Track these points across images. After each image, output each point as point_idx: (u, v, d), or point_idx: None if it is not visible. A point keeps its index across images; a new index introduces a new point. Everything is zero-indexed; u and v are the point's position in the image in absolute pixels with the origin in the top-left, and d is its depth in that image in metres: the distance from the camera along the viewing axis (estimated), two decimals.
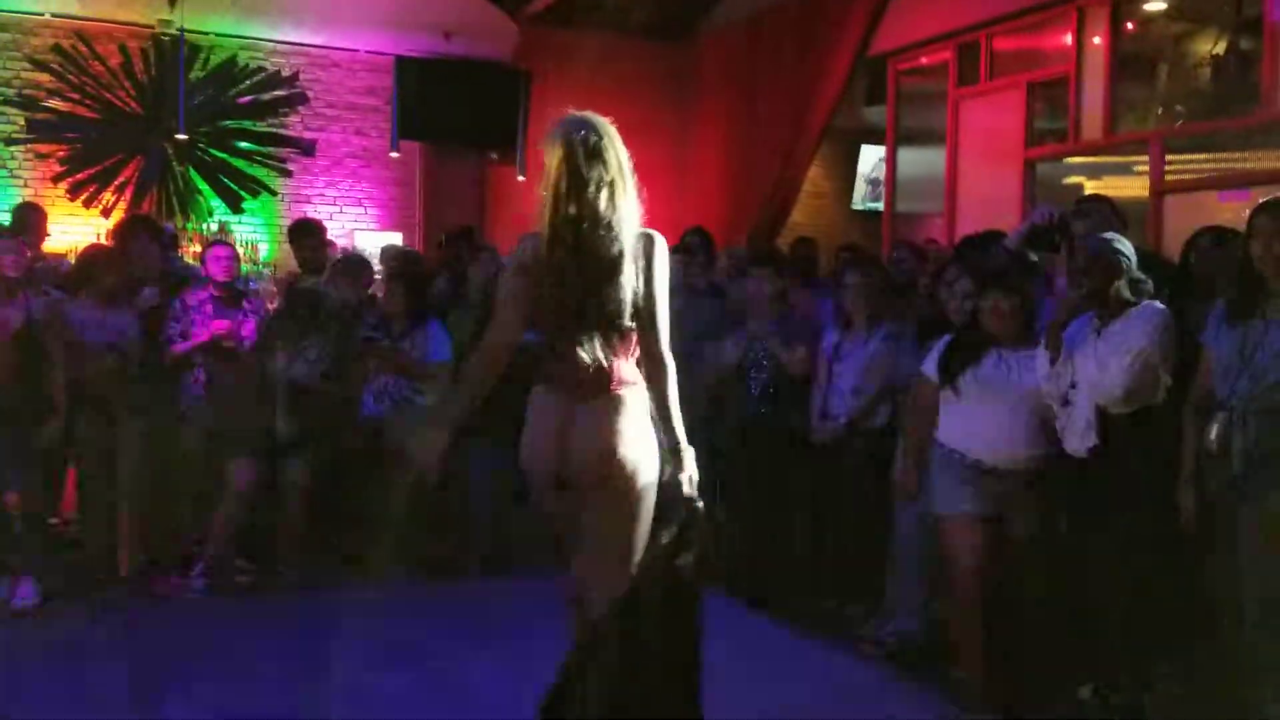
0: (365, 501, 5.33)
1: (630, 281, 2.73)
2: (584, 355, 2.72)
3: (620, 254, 2.72)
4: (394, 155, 9.26)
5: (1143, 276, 3.58)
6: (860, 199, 10.85)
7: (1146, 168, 6.62)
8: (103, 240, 7.50)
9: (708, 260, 6.27)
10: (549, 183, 2.74)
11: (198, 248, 7.83)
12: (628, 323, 2.73)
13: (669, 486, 2.77)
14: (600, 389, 2.74)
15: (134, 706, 3.61)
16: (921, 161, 8.70)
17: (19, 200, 7.75)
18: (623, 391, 2.76)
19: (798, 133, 8.78)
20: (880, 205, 9.50)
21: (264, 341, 5.31)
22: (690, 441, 2.86)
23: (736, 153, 9.25)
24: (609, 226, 2.73)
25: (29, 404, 4.81)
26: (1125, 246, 3.60)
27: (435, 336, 5.39)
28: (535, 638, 4.34)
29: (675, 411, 2.79)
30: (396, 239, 9.02)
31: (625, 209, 2.76)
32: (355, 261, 5.67)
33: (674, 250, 5.80)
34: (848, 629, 4.56)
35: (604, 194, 2.73)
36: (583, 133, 2.73)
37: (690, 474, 2.77)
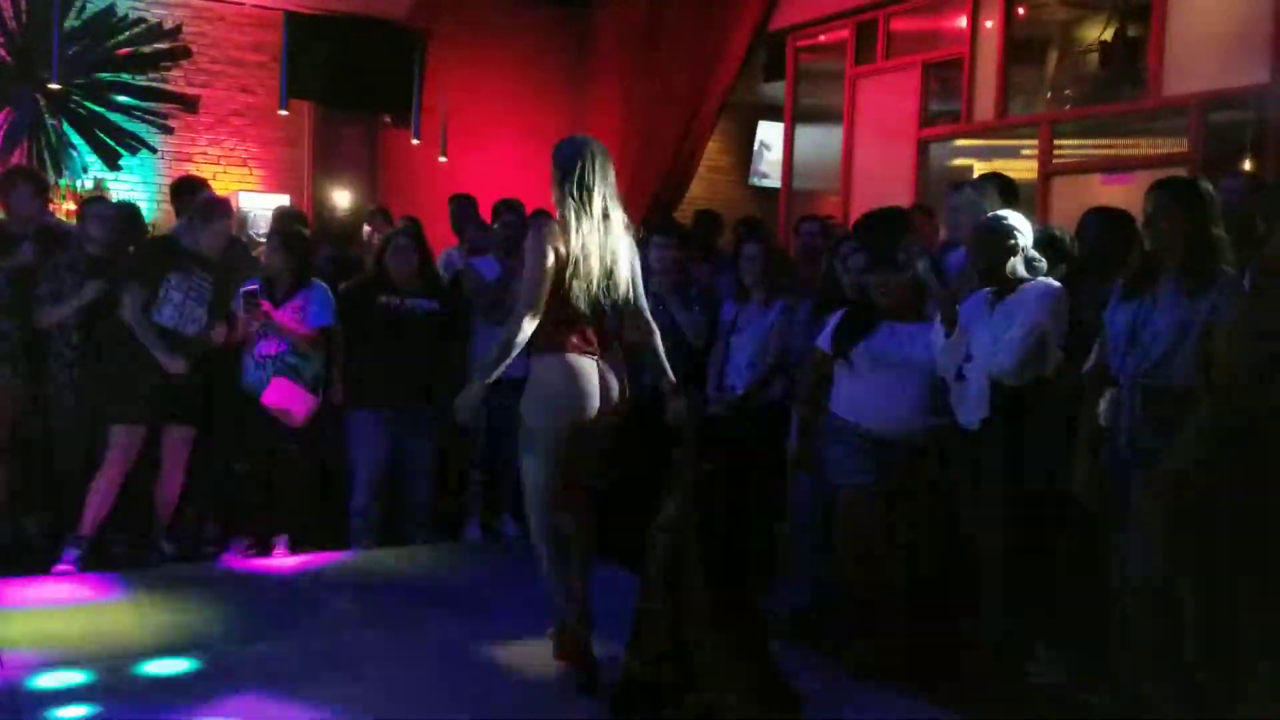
0: (247, 470, 5.18)
1: (628, 271, 3.52)
2: (605, 326, 3.51)
3: (624, 249, 3.51)
4: (282, 114, 8.94)
5: (1037, 255, 3.66)
6: (757, 176, 10.93)
7: (1035, 150, 6.80)
8: None
9: None
10: (574, 192, 3.40)
11: (71, 205, 7.46)
12: (628, 300, 3.54)
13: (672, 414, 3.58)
14: (610, 349, 3.54)
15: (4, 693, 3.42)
16: (819, 139, 8.79)
17: None
18: (616, 350, 3.57)
19: (696, 106, 8.78)
20: (777, 182, 9.58)
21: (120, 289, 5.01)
22: None
23: (634, 123, 9.21)
24: (618, 228, 3.48)
25: None
26: (1020, 224, 3.68)
27: (317, 300, 5.21)
28: (417, 604, 4.31)
29: (665, 360, 3.64)
30: (284, 200, 8.73)
31: (621, 213, 3.52)
32: (205, 203, 5.36)
33: None
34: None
35: (612, 202, 3.47)
36: (592, 149, 3.46)
37: (686, 403, 3.60)
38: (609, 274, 3.43)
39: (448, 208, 6.66)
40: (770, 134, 10.58)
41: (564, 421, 3.44)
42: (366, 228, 7.29)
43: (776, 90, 9.30)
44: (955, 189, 4.88)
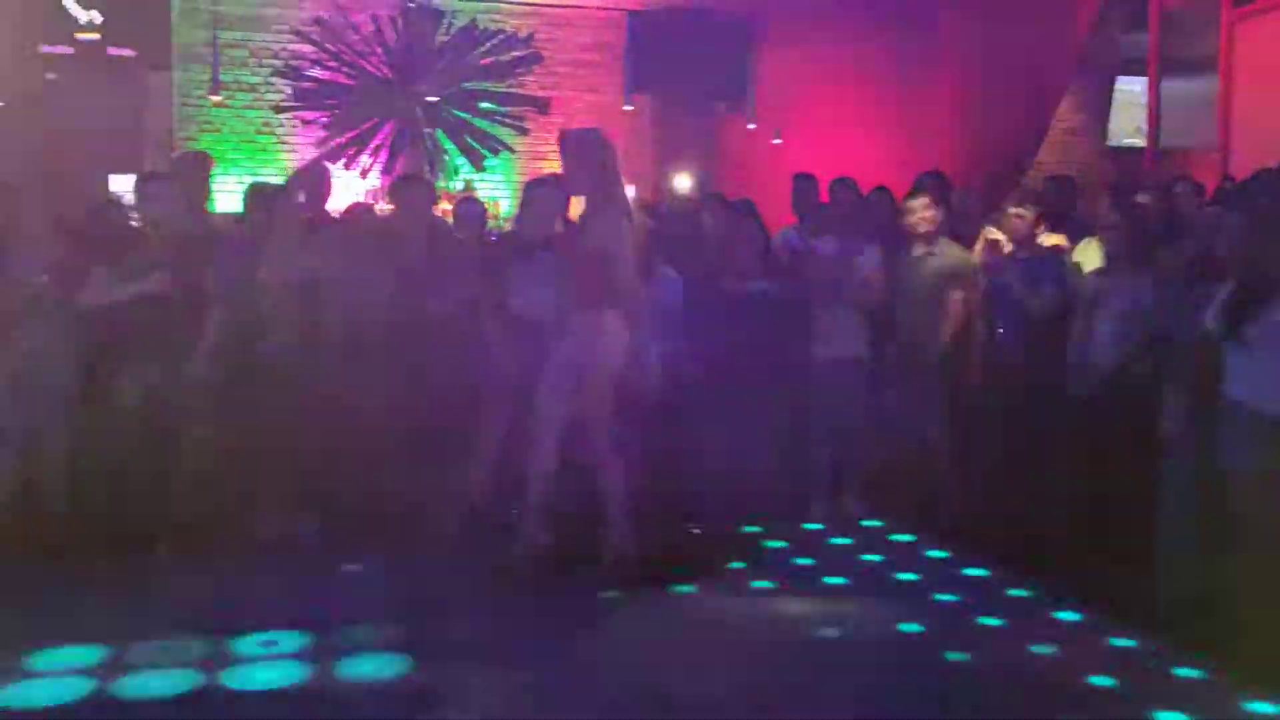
0: None
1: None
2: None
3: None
4: (627, 109, 9.35)
5: None
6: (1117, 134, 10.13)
7: None
8: (363, 200, 8.00)
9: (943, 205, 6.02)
10: (610, 184, 4.23)
11: (446, 205, 8.21)
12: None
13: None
14: None
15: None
16: (1188, 92, 8.02)
17: (288, 164, 8.35)
18: None
19: (1046, 65, 8.27)
20: (1140, 141, 8.84)
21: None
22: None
23: (976, 89, 8.81)
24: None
25: (310, 357, 5.18)
26: None
27: (665, 287, 5.41)
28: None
29: None
30: (629, 192, 9.14)
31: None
32: (525, 187, 5.73)
33: (908, 195, 5.69)
34: (1111, 593, 4.31)
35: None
36: (606, 139, 4.33)
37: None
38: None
39: (790, 188, 6.68)
40: (1130, 89, 9.77)
41: (616, 363, 4.19)
42: (707, 216, 7.46)
43: (1137, 42, 8.57)
44: None
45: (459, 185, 9.04)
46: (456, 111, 9.02)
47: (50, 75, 9.36)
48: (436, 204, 6.87)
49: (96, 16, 9.26)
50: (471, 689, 3.38)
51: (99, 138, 9.14)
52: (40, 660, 3.50)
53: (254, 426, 5.07)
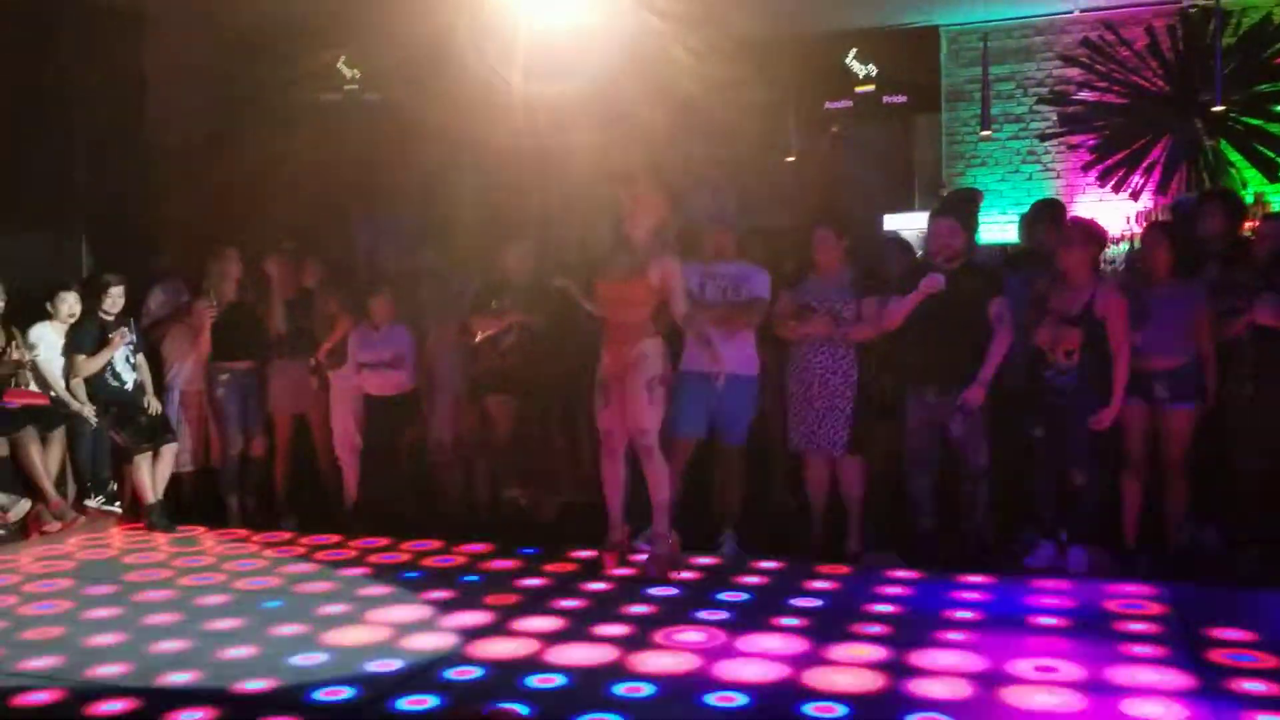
0: None
1: None
2: None
3: None
4: None
5: None
6: None
7: None
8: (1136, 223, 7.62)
9: None
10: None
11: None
12: None
13: None
14: None
15: None
16: None
17: (1051, 193, 8.26)
18: None
19: None
20: None
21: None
22: None
23: None
24: None
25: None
26: None
27: None
28: None
29: None
30: None
31: None
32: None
33: None
34: None
35: None
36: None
37: None
38: None
39: None
40: None
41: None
42: None
43: None
44: None
45: (1247, 200, 8.09)
46: (1244, 119, 8.10)
47: (833, 129, 10.35)
48: (1245, 220, 6.18)
49: (873, 69, 10.03)
50: None
51: (874, 182, 9.89)
52: None
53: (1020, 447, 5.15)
